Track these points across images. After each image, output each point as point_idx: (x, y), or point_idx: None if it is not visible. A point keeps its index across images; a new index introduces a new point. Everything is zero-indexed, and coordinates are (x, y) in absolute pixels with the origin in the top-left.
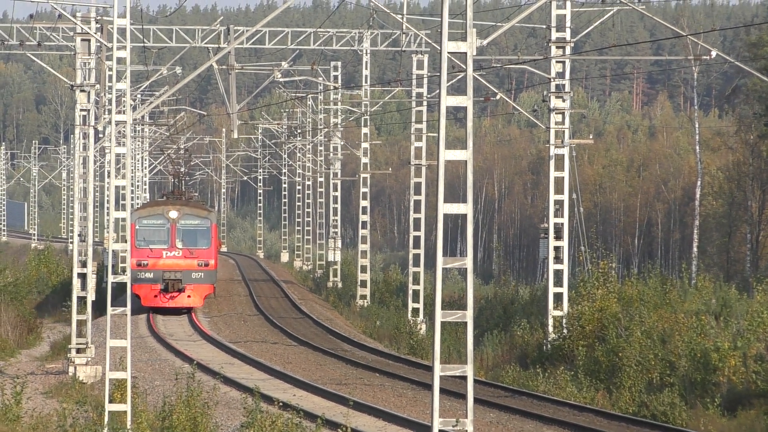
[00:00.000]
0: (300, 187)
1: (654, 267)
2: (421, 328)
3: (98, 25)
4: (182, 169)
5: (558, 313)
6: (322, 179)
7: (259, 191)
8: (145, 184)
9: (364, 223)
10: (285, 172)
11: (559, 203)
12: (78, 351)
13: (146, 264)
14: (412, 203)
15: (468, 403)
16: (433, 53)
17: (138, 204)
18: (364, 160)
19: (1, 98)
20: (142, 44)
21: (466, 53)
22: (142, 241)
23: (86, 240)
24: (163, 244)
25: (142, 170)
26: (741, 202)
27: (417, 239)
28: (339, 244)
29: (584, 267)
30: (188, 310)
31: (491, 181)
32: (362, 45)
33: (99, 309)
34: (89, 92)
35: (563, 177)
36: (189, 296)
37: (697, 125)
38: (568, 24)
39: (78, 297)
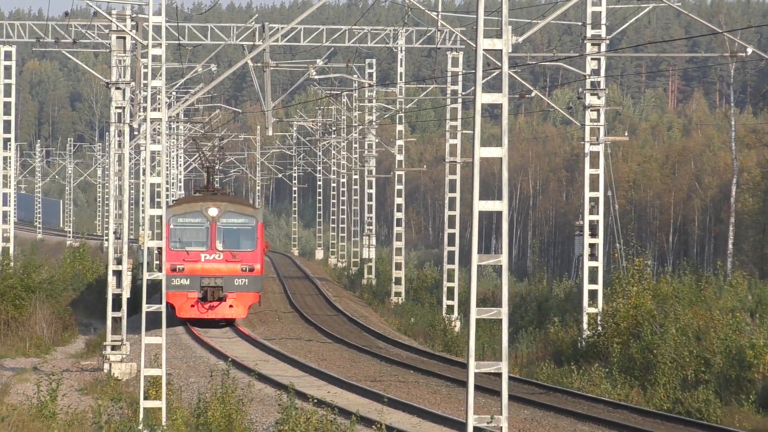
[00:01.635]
0: (335, 185)
1: (689, 264)
2: (455, 326)
3: (133, 23)
4: (216, 165)
5: (593, 310)
6: (356, 177)
7: (293, 189)
8: (180, 182)
9: (398, 221)
10: (320, 170)
11: (594, 200)
12: (113, 348)
13: (182, 269)
14: (446, 200)
15: (503, 399)
16: (468, 50)
17: (172, 201)
18: (399, 157)
19: (37, 96)
20: (177, 42)
21: (501, 50)
22: (177, 243)
23: (121, 237)
24: (202, 246)
25: (177, 168)
26: None
27: (452, 236)
28: (373, 241)
29: (619, 264)
30: (230, 322)
31: (526, 179)
32: (397, 42)
33: (134, 306)
34: (124, 90)
35: (598, 174)
36: (231, 306)
37: (733, 122)
38: (603, 21)
39: (113, 294)
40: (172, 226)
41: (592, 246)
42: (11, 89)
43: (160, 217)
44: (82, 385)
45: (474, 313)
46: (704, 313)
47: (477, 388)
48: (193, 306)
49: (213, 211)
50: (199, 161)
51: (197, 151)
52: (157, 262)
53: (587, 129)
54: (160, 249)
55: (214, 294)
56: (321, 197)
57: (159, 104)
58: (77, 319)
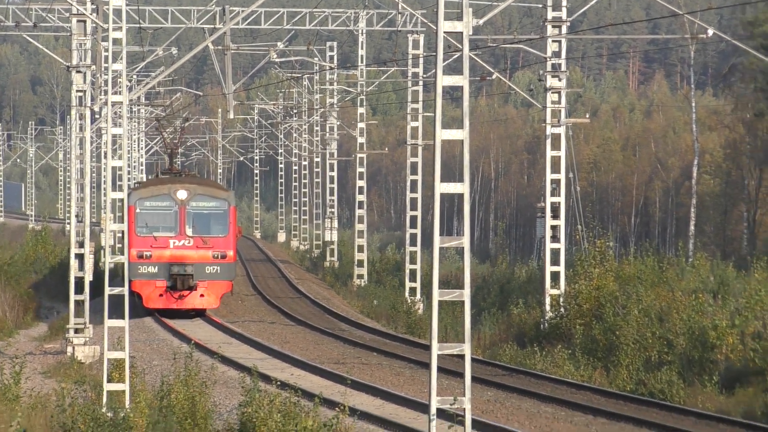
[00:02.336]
0: (296, 168)
1: (651, 246)
2: (418, 308)
3: (94, 6)
4: (179, 148)
5: (555, 291)
6: (318, 159)
7: (255, 172)
8: (142, 165)
9: (360, 203)
10: (281, 153)
11: (555, 182)
12: (76, 331)
13: (149, 256)
14: (408, 183)
15: (466, 381)
16: (429, 33)
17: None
18: (360, 140)
19: None
20: (137, 25)
21: (462, 33)
22: (144, 228)
23: (83, 221)
24: (170, 231)
25: (139, 151)
26: (738, 180)
27: (414, 219)
28: (336, 224)
29: (581, 246)
30: (200, 313)
31: (488, 161)
32: (358, 25)
33: (97, 289)
34: (85, 73)
35: (560, 156)
36: (202, 295)
37: (693, 104)
38: (564, 3)
39: (76, 277)
40: (138, 210)
41: (554, 228)
42: None
43: (122, 200)
44: (45, 368)
45: (436, 295)
46: (666, 294)
47: (440, 369)
48: (161, 295)
49: (182, 194)
50: (161, 144)
51: (159, 133)
52: (120, 245)
53: (548, 111)
54: (122, 233)
55: (183, 283)
56: (283, 180)
57: (120, 88)
58: (40, 303)
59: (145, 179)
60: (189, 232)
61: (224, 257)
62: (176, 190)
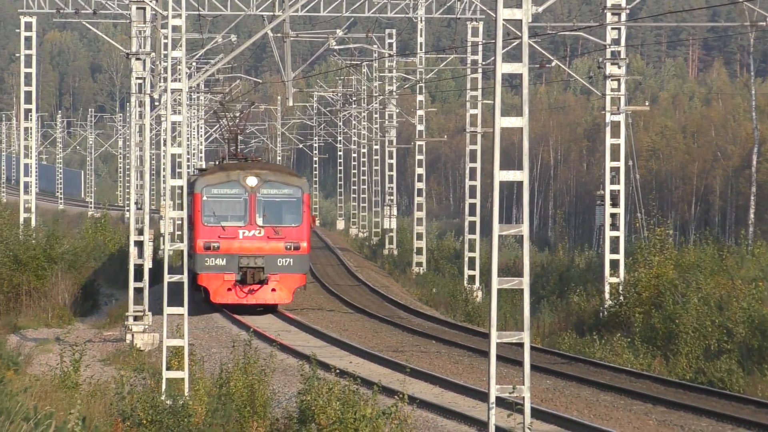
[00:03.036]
0: (355, 155)
1: (711, 234)
2: (477, 296)
3: None
4: (239, 135)
5: (614, 279)
6: (377, 147)
7: (314, 159)
8: (201, 152)
9: (419, 191)
10: (340, 140)
11: (615, 170)
12: (135, 319)
13: (217, 247)
14: (467, 171)
15: (525, 370)
16: (488, 20)
17: (196, 171)
18: (419, 127)
19: (57, 67)
20: (197, 12)
21: (521, 20)
22: (212, 217)
23: (143, 208)
24: (240, 221)
25: (198, 138)
26: None
27: (473, 206)
28: (394, 211)
29: (641, 234)
30: (271, 308)
31: (547, 148)
32: (417, 12)
33: (155, 277)
34: (145, 60)
35: (619, 144)
36: (274, 290)
37: (753, 91)
38: None
39: (135, 265)
40: (204, 198)
41: (614, 216)
42: (32, 60)
43: (182, 187)
44: (104, 355)
45: (495, 283)
46: (726, 282)
47: (499, 358)
48: (230, 290)
49: (252, 181)
50: (223, 129)
51: (219, 120)
52: (179, 233)
53: (608, 99)
54: (182, 220)
55: (254, 276)
56: (342, 168)
57: (179, 75)
58: (99, 290)
59: (204, 166)
60: (260, 221)
61: (297, 249)
62: (246, 177)
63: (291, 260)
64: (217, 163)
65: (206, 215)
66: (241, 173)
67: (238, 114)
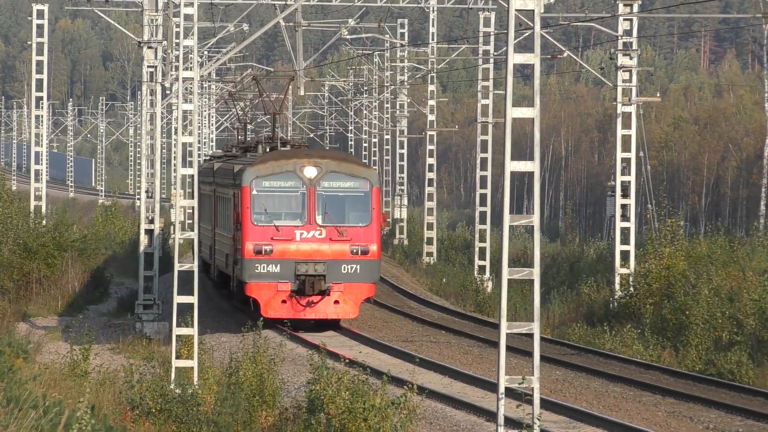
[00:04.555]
0: (366, 145)
1: (722, 225)
2: (487, 286)
3: None
4: (249, 124)
5: (625, 271)
6: (388, 137)
7: (325, 148)
8: (212, 141)
9: (430, 181)
10: (351, 130)
11: (626, 161)
12: (145, 307)
13: (270, 251)
14: (478, 161)
15: (534, 360)
16: (500, 10)
17: (208, 156)
18: (431, 117)
19: (69, 55)
20: (209, 1)
21: (533, 10)
22: (262, 215)
23: (153, 197)
24: (297, 220)
25: (209, 127)
26: None
27: (483, 197)
28: (405, 201)
29: (651, 225)
30: (332, 323)
31: (558, 139)
32: (429, 2)
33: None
34: (156, 49)
35: (630, 135)
36: (337, 302)
37: (765, 83)
38: None
39: (145, 253)
40: (254, 192)
41: (624, 207)
42: (44, 48)
43: (192, 176)
44: (114, 344)
45: (506, 274)
46: (737, 274)
47: (509, 348)
48: (284, 302)
49: (311, 171)
50: (262, 104)
51: (235, 104)
52: (190, 221)
53: (619, 90)
54: (192, 209)
55: (313, 286)
56: None
57: (191, 63)
58: (109, 279)
59: (213, 153)
60: (320, 220)
61: (365, 253)
62: (303, 166)
63: (358, 267)
64: (225, 150)
65: (256, 213)
66: (298, 162)
67: (283, 87)
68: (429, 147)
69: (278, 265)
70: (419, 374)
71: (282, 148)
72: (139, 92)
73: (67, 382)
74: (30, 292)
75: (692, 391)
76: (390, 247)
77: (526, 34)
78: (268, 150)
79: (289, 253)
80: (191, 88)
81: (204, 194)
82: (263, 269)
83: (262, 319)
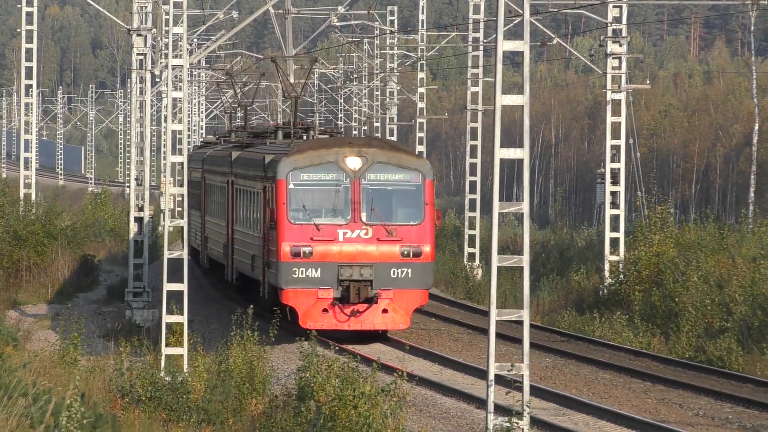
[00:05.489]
0: (356, 132)
1: (712, 212)
2: (477, 273)
3: None
4: (239, 112)
5: (614, 258)
6: (378, 124)
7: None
8: (202, 129)
9: None
10: (341, 117)
11: (615, 148)
12: (135, 295)
13: (309, 253)
14: (468, 148)
15: (524, 347)
16: None
17: (200, 142)
18: (420, 105)
19: (59, 42)
20: None
21: None
22: (300, 212)
23: (143, 184)
24: (339, 217)
25: (199, 115)
26: None
27: (473, 184)
28: None
29: (641, 212)
30: (379, 335)
31: (548, 126)
32: None
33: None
34: (146, 36)
35: (620, 122)
36: (385, 311)
37: (754, 70)
38: None
39: (134, 241)
40: (291, 186)
41: (614, 194)
42: (33, 36)
43: (182, 164)
44: (104, 331)
45: (495, 261)
46: (727, 261)
47: (498, 336)
48: (326, 311)
49: (355, 162)
50: (223, 111)
51: (231, 89)
52: (179, 209)
53: (609, 77)
54: (182, 196)
55: (359, 292)
56: None
57: (180, 51)
58: (99, 266)
59: (204, 139)
60: (366, 217)
61: (418, 255)
62: (346, 157)
63: (409, 271)
64: (217, 136)
65: (294, 209)
66: (340, 152)
67: (244, 87)
68: (419, 134)
69: (319, 269)
70: (409, 361)
71: (320, 136)
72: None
73: (57, 370)
74: (20, 280)
75: (682, 378)
76: None
77: (516, 21)
78: (301, 137)
79: (331, 256)
80: (181, 75)
81: (207, 183)
82: (302, 274)
83: (312, 332)
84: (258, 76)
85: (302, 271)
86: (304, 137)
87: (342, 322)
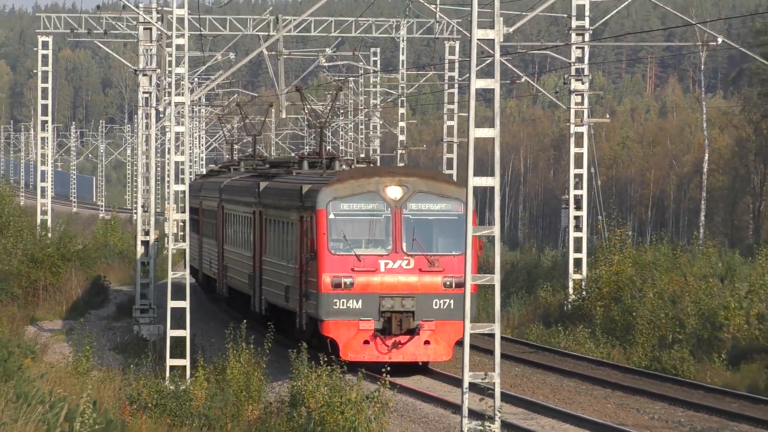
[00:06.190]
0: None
1: (666, 235)
2: None
3: (159, 15)
4: (236, 144)
5: (578, 276)
6: (362, 155)
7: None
8: (202, 160)
9: None
10: (329, 149)
11: (578, 177)
12: (142, 311)
13: (350, 284)
14: None
15: (495, 358)
16: (463, 40)
17: (197, 176)
18: (401, 137)
19: (72, 82)
20: (198, 32)
21: (494, 40)
22: (341, 243)
23: (149, 210)
24: (381, 248)
25: (199, 147)
26: (744, 175)
27: None
28: None
29: (602, 235)
30: (420, 366)
31: (517, 157)
32: (399, 32)
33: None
34: (151, 76)
35: (582, 153)
36: (427, 342)
37: (704, 105)
38: (587, 13)
39: (141, 262)
40: (331, 216)
41: (577, 218)
42: (48, 76)
43: (184, 192)
44: (113, 345)
45: (469, 279)
46: (679, 279)
47: (472, 347)
48: (367, 342)
49: (395, 192)
50: (221, 143)
51: (243, 119)
52: (182, 233)
53: (572, 112)
54: (183, 222)
55: (401, 324)
56: None
57: (182, 89)
58: (109, 285)
59: (204, 171)
60: (407, 248)
61: (461, 285)
62: (386, 186)
63: (451, 301)
64: (219, 166)
65: (334, 240)
66: (380, 181)
67: (243, 121)
68: (399, 164)
69: (360, 301)
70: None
71: (358, 165)
72: (135, 116)
73: (71, 380)
74: (37, 298)
75: (639, 385)
76: None
77: (488, 61)
78: (327, 167)
79: (372, 287)
80: (183, 111)
81: (226, 213)
82: (342, 305)
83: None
84: (266, 107)
85: (343, 302)
86: (334, 167)
87: (383, 353)
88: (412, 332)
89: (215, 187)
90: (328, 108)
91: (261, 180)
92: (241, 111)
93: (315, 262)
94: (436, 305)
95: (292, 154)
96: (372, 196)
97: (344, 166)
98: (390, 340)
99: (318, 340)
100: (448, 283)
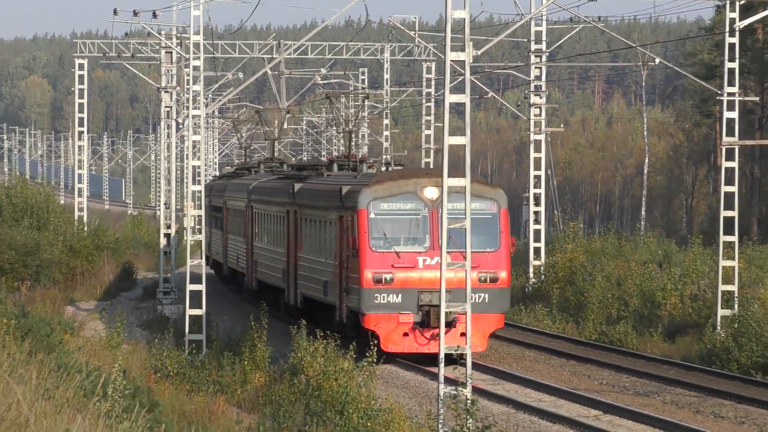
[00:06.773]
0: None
1: (612, 227)
2: None
3: (178, 41)
4: (246, 150)
5: (537, 262)
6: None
7: None
8: (216, 164)
9: None
10: (324, 155)
11: (537, 177)
12: (164, 293)
13: (390, 279)
14: None
15: (467, 332)
16: (439, 61)
17: (212, 178)
18: (385, 145)
19: (104, 98)
20: (212, 55)
21: (464, 61)
22: (381, 241)
23: (170, 207)
24: (419, 245)
25: (213, 153)
26: (678, 176)
27: None
28: None
29: (558, 227)
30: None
31: (485, 161)
32: (383, 55)
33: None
34: (171, 93)
35: (540, 157)
36: (463, 334)
37: (645, 116)
38: (544, 38)
39: (164, 252)
40: (372, 215)
41: (536, 213)
42: (84, 93)
43: (200, 192)
44: (140, 322)
45: (445, 266)
46: (623, 264)
47: (447, 324)
48: (406, 335)
49: (432, 192)
50: (232, 151)
51: (258, 124)
52: (198, 227)
53: (532, 122)
54: (200, 217)
55: (438, 316)
56: None
57: (198, 104)
58: (137, 272)
59: (218, 173)
60: (444, 245)
61: (495, 281)
62: (424, 187)
63: (486, 296)
64: (235, 168)
65: (375, 238)
66: (418, 182)
67: (351, 109)
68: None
69: (399, 295)
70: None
71: (396, 167)
72: (158, 127)
73: (104, 352)
74: (75, 283)
75: (590, 355)
76: None
77: (460, 79)
78: (354, 168)
79: (411, 282)
80: (199, 123)
81: (256, 212)
82: (383, 299)
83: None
84: (283, 115)
85: (384, 296)
86: (362, 169)
87: (422, 345)
88: (449, 325)
89: (243, 189)
90: (357, 114)
91: (294, 182)
92: (260, 118)
93: (356, 259)
94: (471, 299)
95: (321, 158)
96: (410, 197)
97: (369, 169)
98: (428, 333)
99: (356, 332)
100: (483, 278)
